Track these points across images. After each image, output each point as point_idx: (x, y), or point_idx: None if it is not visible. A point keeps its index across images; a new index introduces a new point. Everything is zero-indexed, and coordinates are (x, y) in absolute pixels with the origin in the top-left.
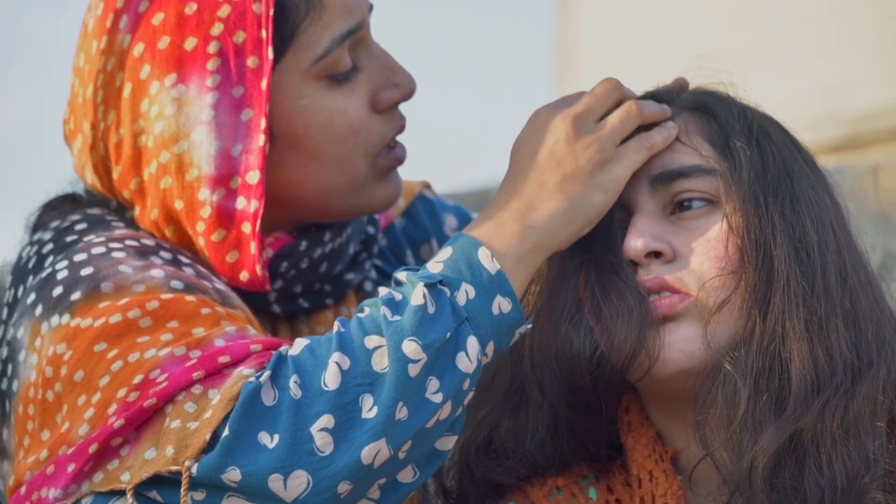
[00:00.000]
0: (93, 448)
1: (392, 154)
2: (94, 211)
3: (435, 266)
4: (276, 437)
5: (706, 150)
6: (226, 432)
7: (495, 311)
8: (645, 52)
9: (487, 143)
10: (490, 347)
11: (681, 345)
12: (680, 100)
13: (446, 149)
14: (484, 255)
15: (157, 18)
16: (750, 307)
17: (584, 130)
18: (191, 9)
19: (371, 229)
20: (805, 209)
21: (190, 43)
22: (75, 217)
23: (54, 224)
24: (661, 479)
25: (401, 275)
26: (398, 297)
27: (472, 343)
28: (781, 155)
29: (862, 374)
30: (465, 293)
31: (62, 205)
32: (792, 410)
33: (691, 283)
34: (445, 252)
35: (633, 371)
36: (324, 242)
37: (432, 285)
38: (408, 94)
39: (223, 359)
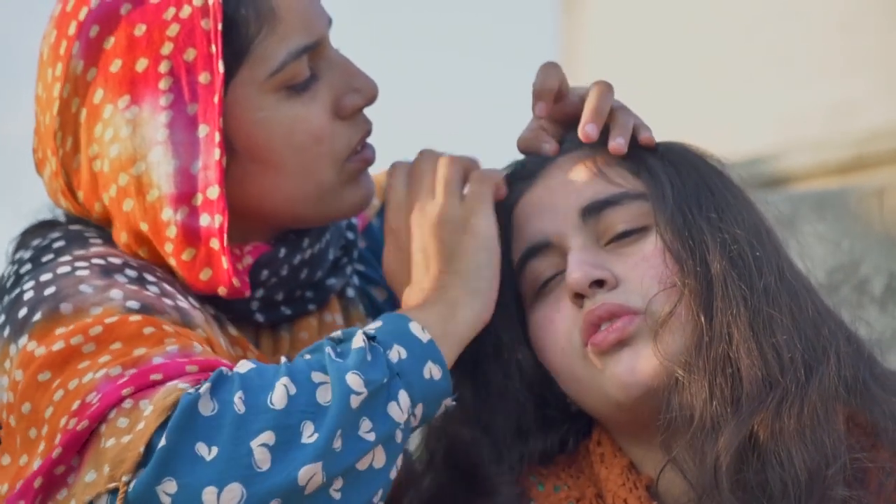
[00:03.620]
0: (37, 482)
1: (360, 156)
2: (75, 227)
3: (368, 329)
4: (215, 450)
5: (626, 179)
6: (162, 442)
7: (426, 375)
8: (649, 64)
9: (492, 151)
10: (419, 409)
11: (641, 365)
12: (586, 137)
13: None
14: (415, 327)
15: (108, 42)
16: (696, 313)
17: (430, 225)
18: (140, 30)
19: (350, 234)
20: (731, 215)
21: (141, 64)
22: (55, 234)
23: (35, 243)
24: None
25: (337, 334)
26: (339, 348)
27: (404, 396)
28: (696, 168)
29: (813, 370)
30: (398, 353)
31: (41, 230)
32: (747, 407)
33: (638, 303)
34: (375, 324)
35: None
36: (303, 249)
37: (369, 338)
38: (370, 98)
39: (155, 376)
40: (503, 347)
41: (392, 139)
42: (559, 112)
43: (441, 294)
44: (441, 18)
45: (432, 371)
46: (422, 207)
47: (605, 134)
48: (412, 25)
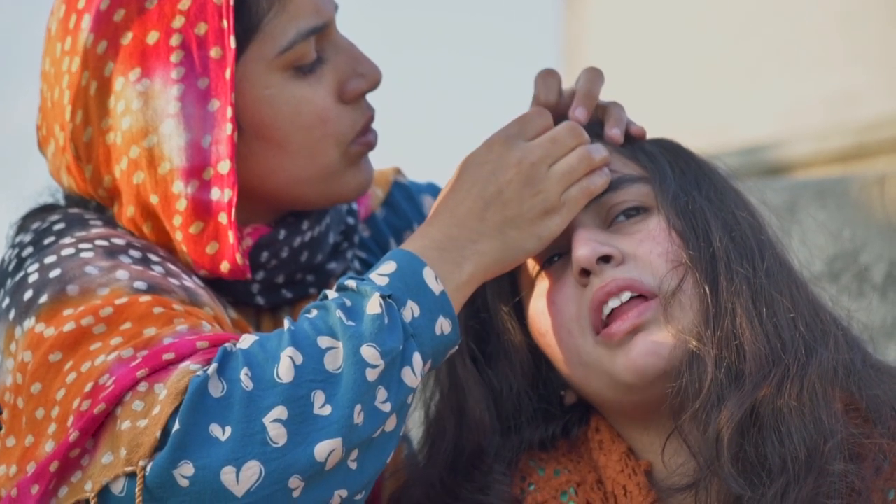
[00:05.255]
0: (53, 466)
1: (363, 139)
2: (74, 210)
3: (380, 279)
4: (228, 429)
5: (625, 164)
6: (176, 426)
7: (438, 331)
8: (651, 57)
9: None
10: (428, 365)
11: (655, 347)
12: (575, 120)
13: (451, 152)
14: (429, 276)
15: (119, 15)
16: (702, 287)
17: (536, 178)
18: (151, 3)
19: (351, 220)
20: (729, 198)
21: (152, 37)
22: (54, 217)
23: (35, 226)
24: (634, 493)
25: (349, 282)
26: (349, 303)
27: (417, 359)
28: (692, 157)
29: (813, 351)
30: (411, 311)
31: (41, 213)
32: (750, 382)
33: (648, 279)
34: (389, 266)
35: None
36: (302, 231)
37: (385, 297)
38: (373, 83)
39: (167, 356)
40: (501, 337)
41: (391, 135)
42: (555, 110)
43: (470, 241)
44: (440, 15)
45: (443, 326)
46: (532, 166)
47: (601, 126)
48: (412, 22)
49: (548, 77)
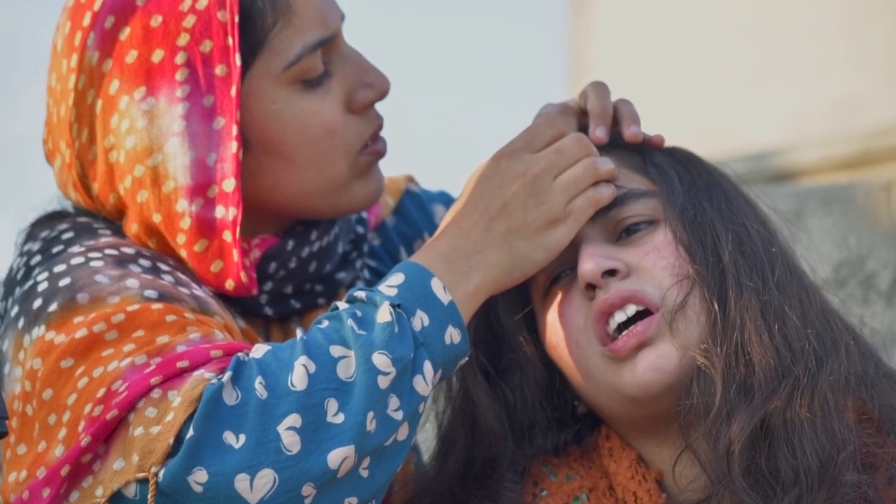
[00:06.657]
0: (65, 470)
1: (372, 149)
2: (83, 219)
3: (389, 290)
4: (242, 437)
5: (632, 179)
6: (190, 433)
7: (447, 340)
8: (657, 62)
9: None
10: (439, 374)
11: (660, 362)
12: (597, 141)
13: (456, 155)
14: (437, 286)
15: (124, 33)
16: (710, 301)
17: (540, 188)
18: (156, 21)
19: (360, 229)
20: (740, 209)
21: (157, 55)
22: (63, 226)
23: (43, 234)
24: (645, 500)
25: (359, 293)
26: (359, 313)
27: (428, 367)
28: (704, 167)
29: (824, 361)
30: (420, 320)
31: (49, 221)
32: (759, 395)
33: (652, 292)
34: (397, 277)
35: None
36: (311, 241)
37: (395, 306)
38: (382, 93)
39: (181, 363)
40: (515, 351)
41: (397, 138)
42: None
43: (476, 252)
44: (447, 18)
45: (452, 335)
46: (537, 177)
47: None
48: (417, 24)
49: (600, 86)
